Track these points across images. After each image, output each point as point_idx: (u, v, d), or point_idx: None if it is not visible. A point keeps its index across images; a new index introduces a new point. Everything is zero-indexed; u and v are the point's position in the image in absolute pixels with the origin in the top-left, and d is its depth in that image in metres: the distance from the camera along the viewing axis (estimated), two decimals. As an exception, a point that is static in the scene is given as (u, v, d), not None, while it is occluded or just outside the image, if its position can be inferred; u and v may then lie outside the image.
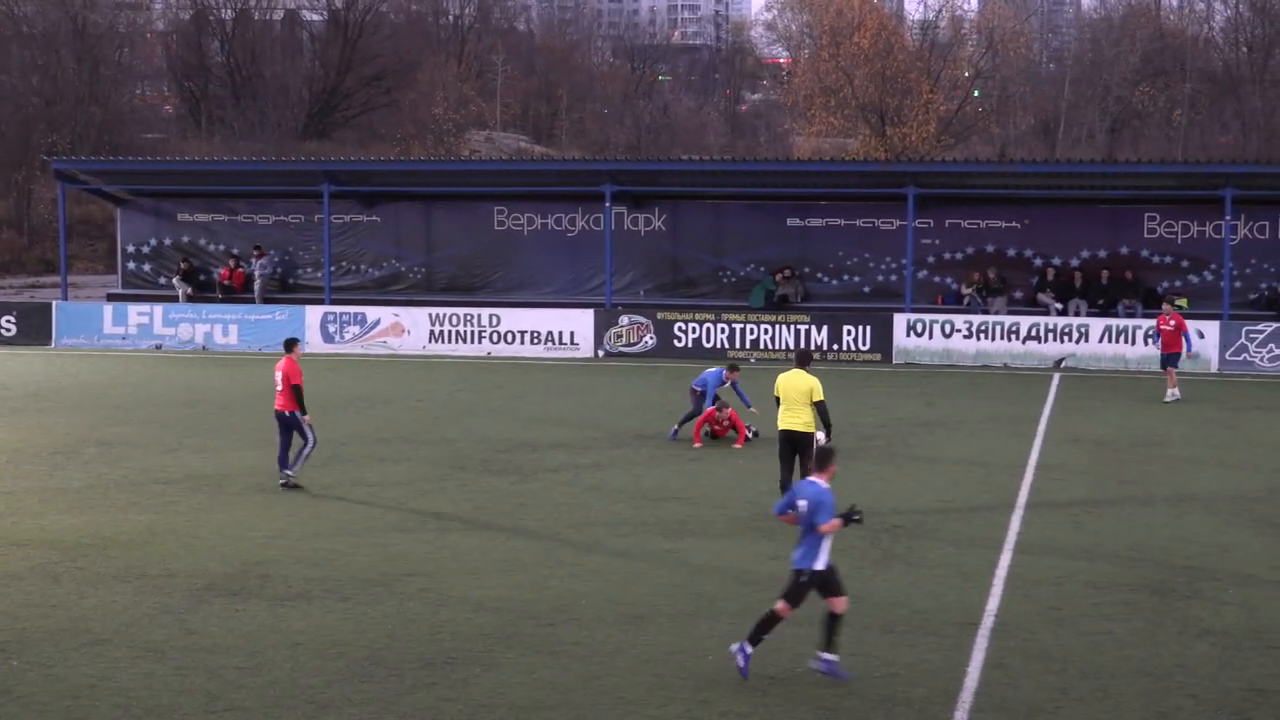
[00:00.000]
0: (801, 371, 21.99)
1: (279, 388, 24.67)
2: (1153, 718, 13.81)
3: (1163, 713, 13.92)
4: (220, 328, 46.48)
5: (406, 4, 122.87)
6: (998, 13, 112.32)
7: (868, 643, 15.85)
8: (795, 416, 21.69)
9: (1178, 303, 43.35)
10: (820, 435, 21.85)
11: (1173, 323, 35.81)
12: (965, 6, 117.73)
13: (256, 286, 48.28)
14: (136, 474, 25.33)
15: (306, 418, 24.51)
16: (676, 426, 29.45)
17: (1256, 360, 41.18)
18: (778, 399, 22.00)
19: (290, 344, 25.55)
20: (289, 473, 24.49)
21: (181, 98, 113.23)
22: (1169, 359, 35.80)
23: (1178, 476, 25.74)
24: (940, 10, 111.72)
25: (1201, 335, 41.19)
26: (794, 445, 21.70)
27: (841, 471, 24.91)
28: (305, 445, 24.61)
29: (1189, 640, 16.10)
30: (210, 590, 17.82)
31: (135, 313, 47.09)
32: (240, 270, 49.01)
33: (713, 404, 28.97)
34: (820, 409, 21.76)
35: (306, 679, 14.66)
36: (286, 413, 24.57)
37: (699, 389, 29.28)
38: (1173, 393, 35.40)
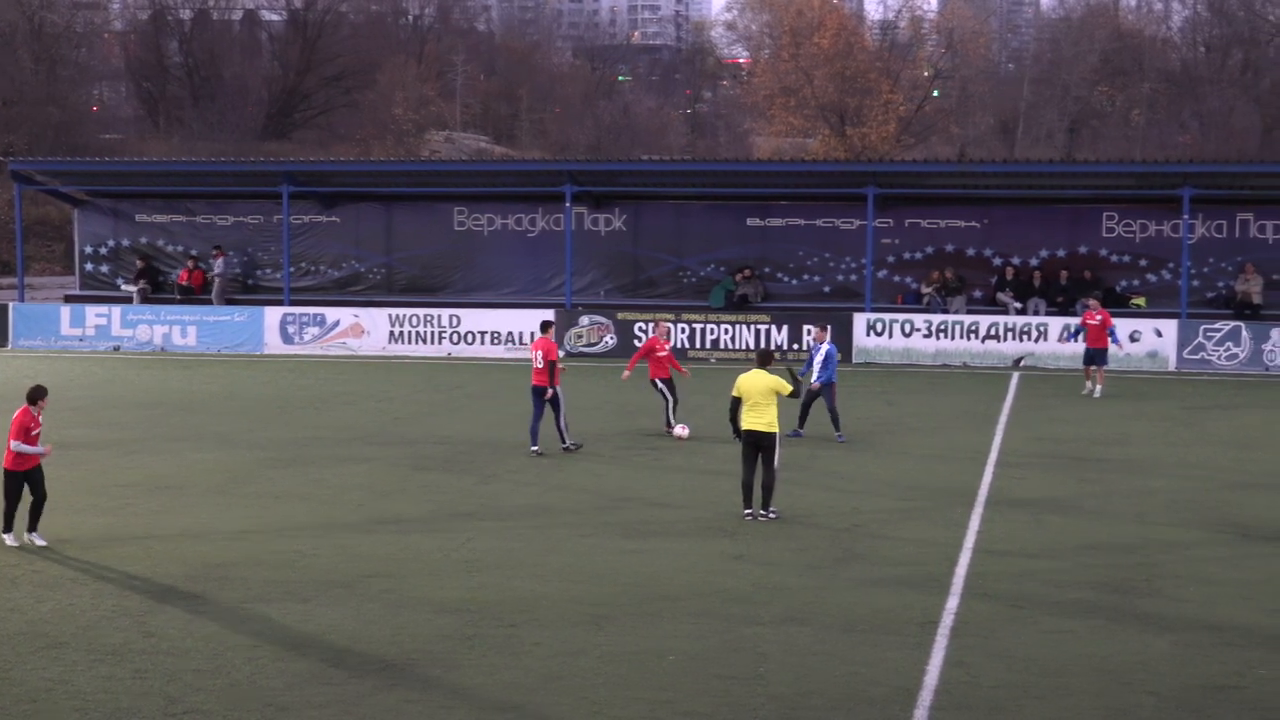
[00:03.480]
0: (762, 371, 21.97)
1: (537, 365, 27.53)
2: (1113, 715, 13.86)
3: (1123, 710, 13.97)
4: (179, 329, 46.34)
5: (366, 4, 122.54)
6: (957, 13, 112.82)
7: (829, 641, 15.88)
8: (758, 417, 21.67)
9: (1134, 302, 43.73)
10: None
11: (1099, 318, 36.17)
12: (925, 7, 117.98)
13: (215, 287, 48.11)
14: (95, 476, 25.22)
15: (551, 392, 27.39)
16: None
17: (1214, 359, 41.43)
18: (737, 399, 22.00)
19: (546, 325, 28.75)
20: (565, 445, 27.69)
21: (140, 98, 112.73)
22: (1096, 355, 36.10)
23: (1137, 475, 25.85)
24: (900, 10, 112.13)
25: (1160, 334, 41.48)
26: (757, 445, 21.71)
27: (803, 471, 25.08)
28: (560, 415, 27.57)
29: (1149, 638, 16.17)
30: (170, 593, 17.74)
31: (93, 314, 46.93)
32: (200, 271, 48.83)
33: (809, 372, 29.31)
34: (789, 382, 22.10)
35: (267, 681, 14.61)
36: (543, 387, 27.38)
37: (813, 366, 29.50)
38: (1093, 387, 35.85)
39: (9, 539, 20.01)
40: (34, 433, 19.90)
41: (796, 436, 28.67)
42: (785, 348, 42.47)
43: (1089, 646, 15.82)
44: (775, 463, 21.88)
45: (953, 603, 17.45)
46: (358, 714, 13.77)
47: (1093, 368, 36.35)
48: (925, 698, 14.20)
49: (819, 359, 29.15)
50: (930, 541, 20.64)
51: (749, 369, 22.22)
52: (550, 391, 27.38)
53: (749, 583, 18.31)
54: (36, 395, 20.21)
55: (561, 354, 43.70)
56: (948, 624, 16.58)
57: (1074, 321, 39.12)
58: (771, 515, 21.77)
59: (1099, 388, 35.92)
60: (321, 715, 13.74)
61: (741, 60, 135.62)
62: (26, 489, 20.10)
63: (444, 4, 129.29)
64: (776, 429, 21.75)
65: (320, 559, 19.42)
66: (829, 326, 31.38)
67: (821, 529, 21.37)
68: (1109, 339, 36.31)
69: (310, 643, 15.82)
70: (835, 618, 16.79)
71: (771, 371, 22.06)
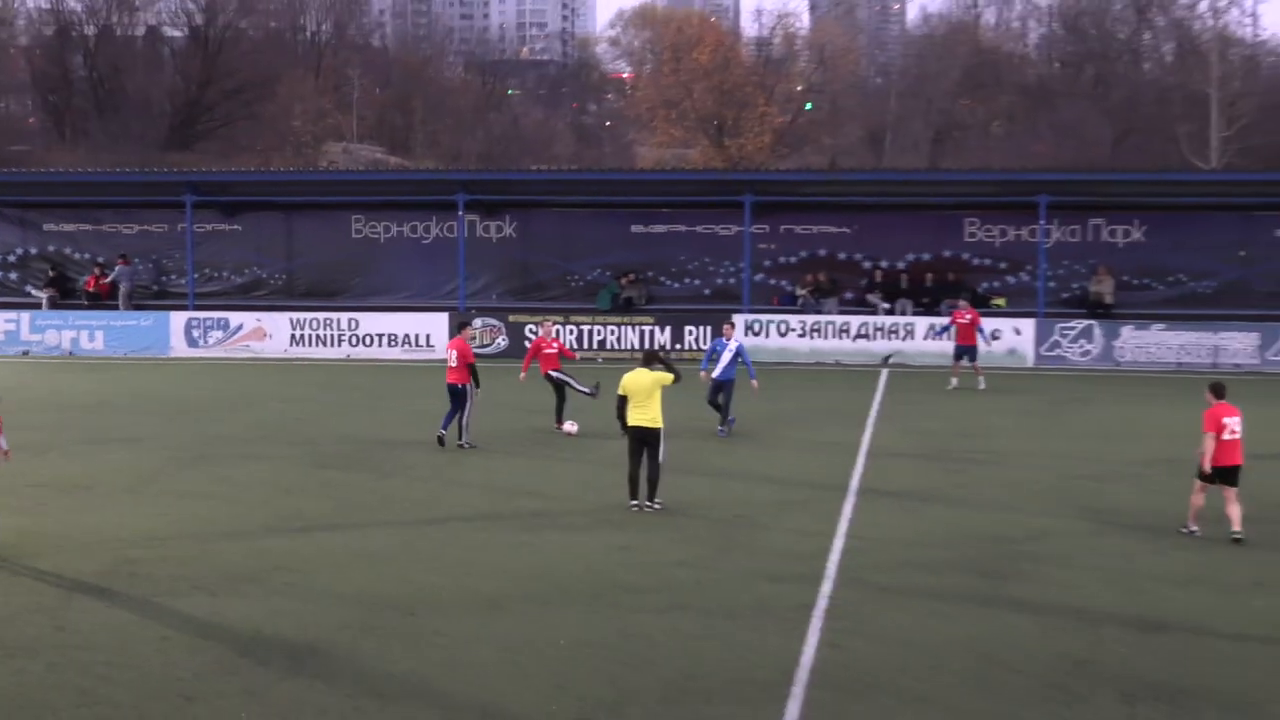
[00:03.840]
0: (646, 370, 22.00)
1: (452, 364, 27.62)
2: (980, 691, 14.03)
3: (989, 686, 14.15)
4: (86, 333, 45.74)
5: (265, 20, 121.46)
6: (828, 30, 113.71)
7: (712, 626, 15.96)
8: (643, 413, 21.72)
9: (994, 302, 44.32)
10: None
11: (968, 317, 36.97)
12: (798, 24, 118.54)
13: (121, 292, 47.48)
14: (7, 477, 24.73)
15: (478, 392, 27.65)
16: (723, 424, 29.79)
17: (1069, 355, 42.02)
18: (623, 397, 22.03)
19: (461, 326, 28.98)
20: (461, 443, 27.47)
21: (46, 110, 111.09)
22: (963, 351, 36.89)
23: (999, 465, 26.16)
24: (774, 28, 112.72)
25: (1019, 332, 41.98)
26: (643, 440, 21.79)
27: (686, 465, 25.14)
28: (464, 413, 27.55)
29: (1012, 618, 16.37)
30: (81, 589, 17.52)
31: (2, 320, 46.19)
32: (104, 278, 48.22)
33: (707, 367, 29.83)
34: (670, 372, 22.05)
35: (176, 672, 14.48)
36: (458, 385, 27.55)
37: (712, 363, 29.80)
38: (957, 384, 36.64)
39: None
40: None
41: (731, 425, 29.44)
42: (669, 347, 42.61)
43: (957, 627, 16.00)
44: (661, 457, 21.94)
45: (828, 588, 17.58)
46: (264, 701, 13.68)
47: (961, 363, 37.03)
48: (803, 677, 14.32)
49: (727, 355, 29.42)
50: (807, 531, 20.78)
51: (635, 368, 22.27)
52: (472, 390, 27.57)
53: (636, 572, 18.36)
54: None
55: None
56: (823, 608, 16.72)
57: (942, 321, 39.64)
58: (656, 506, 21.81)
59: (980, 379, 36.77)
60: (229, 703, 13.64)
61: (625, 75, 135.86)
62: None
63: (340, 20, 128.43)
64: (660, 424, 21.81)
65: (226, 554, 19.25)
66: (734, 324, 32.04)
67: (704, 520, 21.45)
68: (978, 336, 37.06)
69: (218, 634, 15.70)
70: (718, 604, 16.87)
71: (654, 369, 22.12)
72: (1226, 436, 20.08)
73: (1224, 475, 20.16)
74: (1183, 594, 17.47)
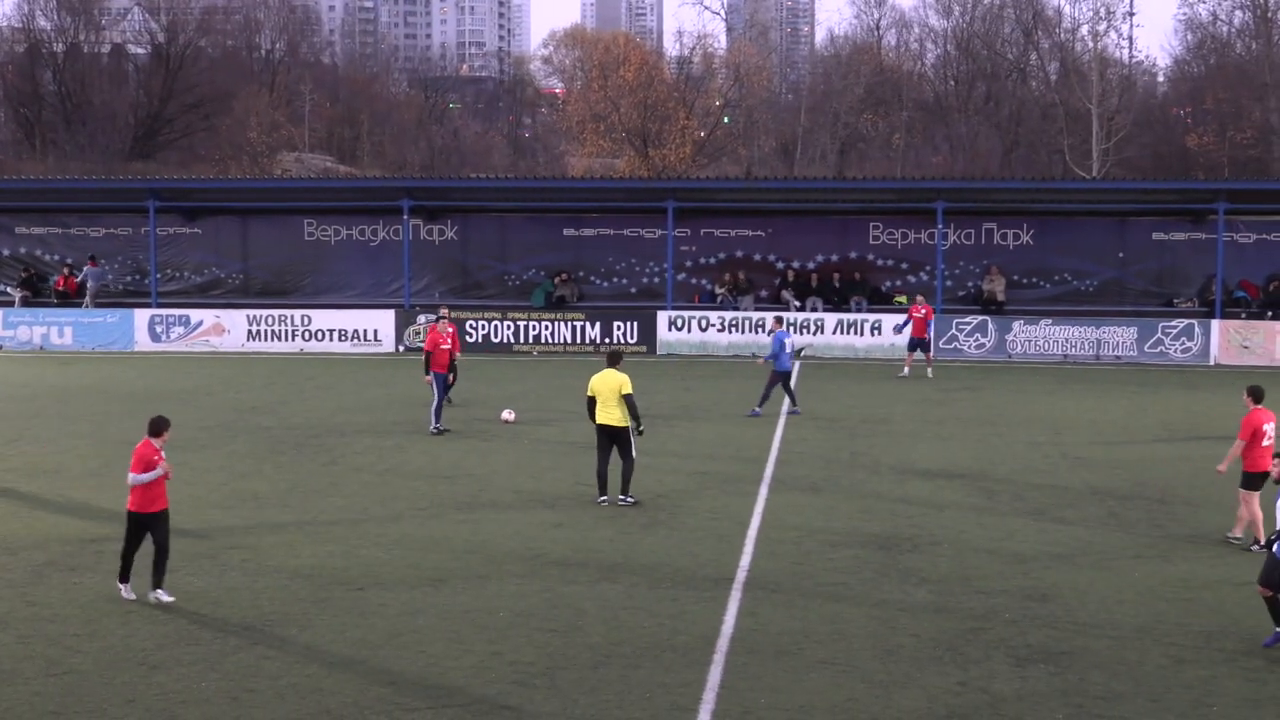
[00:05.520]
0: (613, 370, 21.11)
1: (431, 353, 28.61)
2: (881, 654, 14.10)
3: (889, 649, 14.22)
4: (56, 329, 45.16)
5: (223, 39, 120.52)
6: (743, 50, 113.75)
7: (637, 597, 15.95)
8: (609, 413, 20.92)
9: (897, 300, 44.51)
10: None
11: (922, 312, 37.29)
12: (715, 45, 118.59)
13: (89, 290, 46.94)
14: (-21, 462, 24.53)
15: (427, 379, 28.49)
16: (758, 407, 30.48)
17: (965, 348, 42.23)
18: (592, 397, 21.17)
19: (438, 319, 29.60)
20: (436, 425, 27.78)
21: (17, 123, 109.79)
22: (917, 343, 37.19)
23: (900, 448, 26.26)
24: (694, 48, 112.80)
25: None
26: (610, 438, 21.05)
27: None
28: (434, 402, 27.95)
29: (910, 588, 16.46)
30: (50, 566, 17.33)
31: (-24, 317, 45.56)
32: (73, 278, 47.68)
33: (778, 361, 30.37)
34: (629, 401, 20.80)
35: (139, 643, 14.34)
36: (441, 373, 28.23)
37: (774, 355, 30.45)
38: (909, 372, 36.84)
39: (125, 590, 16.03)
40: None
41: (795, 415, 30.16)
42: (599, 341, 42.53)
43: (860, 596, 16.06)
44: (632, 453, 21.09)
45: (744, 561, 17.63)
46: (221, 670, 13.57)
47: (914, 354, 37.38)
48: (722, 644, 14.34)
49: (776, 346, 30.29)
50: (724, 509, 20.79)
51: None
52: (441, 379, 28.17)
53: (567, 547, 18.33)
54: (160, 427, 16.11)
55: (402, 348, 43.53)
56: (740, 580, 16.75)
57: (901, 319, 39.94)
58: (630, 501, 21.04)
59: (929, 369, 37.53)
60: (189, 672, 13.53)
61: (557, 90, 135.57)
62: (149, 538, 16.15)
63: (292, 39, 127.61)
64: (627, 422, 20.94)
65: (186, 533, 19.04)
66: (782, 317, 32.82)
67: (629, 500, 21.39)
68: (929, 330, 37.57)
69: (178, 607, 15.56)
70: (643, 576, 16.86)
71: (621, 370, 21.25)
72: (1265, 443, 18.30)
73: (1264, 480, 18.20)
74: (1066, 566, 17.60)
